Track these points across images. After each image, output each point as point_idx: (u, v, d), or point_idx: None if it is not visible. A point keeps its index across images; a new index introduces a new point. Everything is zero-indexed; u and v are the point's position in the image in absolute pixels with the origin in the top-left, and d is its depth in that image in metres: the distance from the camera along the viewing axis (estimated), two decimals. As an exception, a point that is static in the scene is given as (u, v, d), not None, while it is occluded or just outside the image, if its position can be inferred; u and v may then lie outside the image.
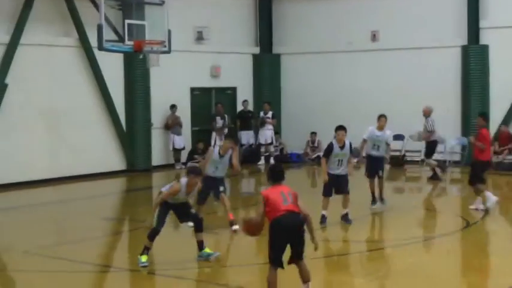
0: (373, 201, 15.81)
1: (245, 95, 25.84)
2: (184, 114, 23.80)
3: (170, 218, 11.43)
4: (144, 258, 10.96)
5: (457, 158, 23.12)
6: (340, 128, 14.12)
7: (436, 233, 14.09)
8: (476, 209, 15.20)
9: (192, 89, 24.54)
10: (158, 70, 20.97)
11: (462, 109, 23.26)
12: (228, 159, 13.76)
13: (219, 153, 13.68)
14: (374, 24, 24.84)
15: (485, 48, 23.02)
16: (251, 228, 9.07)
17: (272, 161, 24.55)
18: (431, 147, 20.62)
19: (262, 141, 24.80)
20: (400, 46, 24.27)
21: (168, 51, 19.33)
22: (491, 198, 15.20)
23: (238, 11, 26.17)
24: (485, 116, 16.09)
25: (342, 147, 14.00)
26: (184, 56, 23.10)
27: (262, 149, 24.88)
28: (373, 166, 16.04)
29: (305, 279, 8.90)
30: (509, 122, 22.46)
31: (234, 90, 26.01)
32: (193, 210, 11.48)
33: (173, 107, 23.25)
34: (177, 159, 23.29)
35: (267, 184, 9.23)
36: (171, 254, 11.79)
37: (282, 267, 8.81)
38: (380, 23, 24.72)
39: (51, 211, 16.77)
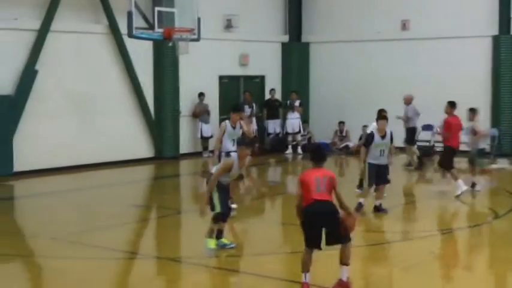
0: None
1: (273, 84, 25.80)
2: (213, 102, 23.83)
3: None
4: (211, 243, 10.96)
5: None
6: (382, 118, 14.12)
7: (465, 224, 14.01)
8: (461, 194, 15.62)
9: (221, 77, 24.54)
10: (187, 58, 21.02)
11: (492, 100, 23.04)
12: (239, 129, 14.18)
13: (231, 125, 14.10)
14: (404, 14, 24.66)
15: (516, 38, 22.80)
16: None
17: (300, 150, 24.53)
18: (410, 134, 20.99)
19: (289, 130, 24.75)
20: (429, 36, 24.09)
21: (198, 39, 19.34)
22: (462, 187, 15.68)
23: (267, 0, 26.10)
24: (452, 104, 16.55)
25: (383, 136, 13.98)
26: (213, 44, 23.11)
27: (290, 138, 24.84)
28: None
29: (342, 261, 8.99)
30: (540, 113, 22.22)
31: (262, 78, 25.98)
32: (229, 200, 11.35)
33: (201, 95, 23.28)
34: (205, 147, 23.33)
35: (308, 165, 9.30)
36: (196, 242, 11.81)
37: (319, 248, 8.91)
38: (410, 12, 24.53)
39: (79, 198, 16.88)
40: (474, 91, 23.02)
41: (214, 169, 10.99)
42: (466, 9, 23.47)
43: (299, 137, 24.91)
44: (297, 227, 12.31)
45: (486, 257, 11.59)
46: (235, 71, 24.99)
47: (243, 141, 11.07)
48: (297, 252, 11.38)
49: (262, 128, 24.94)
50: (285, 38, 26.66)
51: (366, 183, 14.25)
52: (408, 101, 21.00)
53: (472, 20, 23.40)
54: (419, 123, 21.63)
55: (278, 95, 25.65)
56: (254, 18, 25.15)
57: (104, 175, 20.01)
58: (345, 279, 9.01)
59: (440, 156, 17.09)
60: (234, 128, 14.19)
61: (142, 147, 22.32)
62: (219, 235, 11.19)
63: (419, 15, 24.29)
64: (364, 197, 14.13)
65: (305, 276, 8.98)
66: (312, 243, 8.90)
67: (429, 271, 10.25)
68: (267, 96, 25.42)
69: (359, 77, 25.35)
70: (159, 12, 18.94)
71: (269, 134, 25.09)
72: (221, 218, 10.95)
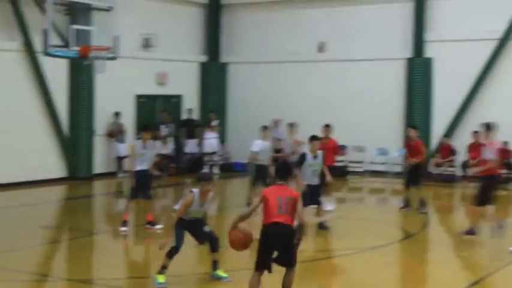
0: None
1: (191, 103, 25.76)
2: (129, 121, 23.60)
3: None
4: (161, 279, 10.28)
5: (398, 169, 23.34)
6: (314, 139, 14.45)
7: (377, 244, 14.17)
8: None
9: (138, 96, 24.36)
10: (104, 76, 20.78)
11: (405, 121, 23.52)
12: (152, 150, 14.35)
13: (142, 144, 14.13)
14: (321, 35, 25.02)
15: (429, 61, 23.37)
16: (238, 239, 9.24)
17: (216, 170, 24.50)
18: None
19: (207, 149, 24.70)
20: (346, 58, 24.50)
21: (115, 58, 19.18)
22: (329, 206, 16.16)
23: (186, 19, 26.10)
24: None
25: (315, 157, 14.21)
26: (130, 63, 22.90)
27: (207, 158, 24.78)
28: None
29: (285, 285, 8.91)
30: (450, 134, 22.78)
31: (179, 98, 25.90)
32: (207, 228, 10.75)
33: (117, 114, 23.03)
34: (120, 168, 23.05)
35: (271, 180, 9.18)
36: (107, 263, 11.61)
37: (269, 271, 8.89)
38: (327, 34, 24.91)
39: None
40: (388, 112, 23.51)
41: (178, 205, 10.73)
42: (381, 32, 23.96)
43: (216, 157, 24.89)
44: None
45: (399, 276, 11.78)
46: (153, 90, 24.84)
47: (204, 177, 10.68)
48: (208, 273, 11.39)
49: (179, 148, 24.82)
50: (204, 58, 26.69)
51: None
52: (276, 124, 21.84)
53: (387, 43, 23.91)
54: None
55: (196, 115, 25.61)
56: (172, 37, 25.10)
57: (15, 196, 19.51)
58: None
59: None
60: (144, 147, 14.15)
61: (55, 167, 21.88)
62: (215, 266, 10.75)
63: (336, 37, 24.68)
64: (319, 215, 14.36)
65: None
66: (263, 265, 8.85)
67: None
68: (185, 115, 25.34)
69: (276, 98, 25.54)
70: (76, 30, 18.73)
71: (186, 154, 24.98)
72: (171, 252, 10.41)
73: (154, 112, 24.88)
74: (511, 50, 22.26)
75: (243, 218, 9.12)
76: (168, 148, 23.82)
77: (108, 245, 13.72)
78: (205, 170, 24.32)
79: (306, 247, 13.33)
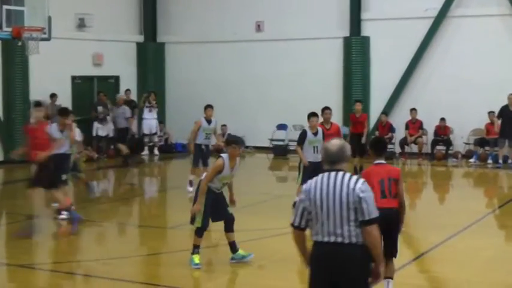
0: None
1: (128, 84, 25.43)
2: (66, 103, 23.06)
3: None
4: (196, 259, 10.01)
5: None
6: (313, 115, 14.30)
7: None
8: None
9: (73, 78, 23.93)
10: (38, 58, 20.26)
11: (344, 98, 23.68)
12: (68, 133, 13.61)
13: (59, 129, 13.36)
14: (258, 15, 24.97)
15: (366, 39, 23.53)
16: None
17: (156, 151, 24.30)
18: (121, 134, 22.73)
19: (146, 131, 24.46)
20: (283, 37, 24.52)
21: (48, 39, 18.72)
22: None
23: (121, -1, 25.75)
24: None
25: (315, 133, 14.12)
26: (65, 44, 22.46)
27: (146, 139, 24.55)
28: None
29: (387, 275, 8.38)
30: (389, 112, 23.03)
31: (116, 79, 25.55)
32: (229, 208, 10.29)
33: (53, 96, 22.57)
34: (58, 150, 22.60)
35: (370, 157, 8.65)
36: (48, 247, 11.42)
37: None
38: (265, 13, 24.88)
39: None
40: (327, 91, 23.63)
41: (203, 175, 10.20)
42: (318, 11, 24.03)
43: (156, 138, 24.68)
44: (153, 229, 12.15)
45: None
46: (89, 71, 24.45)
47: (233, 139, 10.25)
48: (153, 254, 11.30)
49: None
50: (140, 38, 26.37)
51: (299, 181, 14.01)
52: (120, 102, 22.35)
53: (324, 22, 24.00)
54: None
55: (134, 96, 25.32)
56: (108, 17, 24.71)
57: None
58: None
59: None
60: (61, 131, 13.45)
61: (-9, 151, 21.43)
62: (234, 248, 10.28)
63: (273, 16, 24.67)
64: None
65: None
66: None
67: (281, 270, 10.33)
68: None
69: (215, 78, 25.43)
70: (8, 10, 18.22)
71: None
72: (198, 233, 10.06)
73: (91, 93, 24.50)
74: (446, 28, 22.56)
75: None
76: (106, 130, 23.45)
77: (46, 228, 13.49)
78: (145, 151, 24.20)
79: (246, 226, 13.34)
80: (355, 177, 5.87)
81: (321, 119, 14.81)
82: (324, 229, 5.84)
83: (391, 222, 8.06)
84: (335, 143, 5.98)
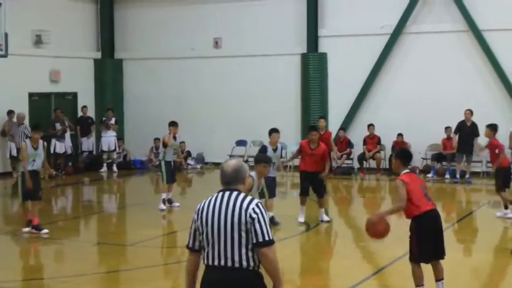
0: None
1: (86, 101, 25.26)
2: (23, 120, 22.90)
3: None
4: None
5: (296, 162, 23.58)
6: (274, 131, 14.40)
7: (277, 237, 14.29)
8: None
9: (31, 94, 23.70)
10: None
11: (302, 115, 23.82)
12: (42, 151, 13.87)
13: (32, 146, 13.67)
14: (217, 31, 25.02)
15: (323, 56, 23.73)
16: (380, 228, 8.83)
17: (115, 168, 24.15)
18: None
19: (105, 148, 24.29)
20: (242, 53, 24.60)
21: (5, 55, 18.61)
22: None
23: (79, 15, 25.57)
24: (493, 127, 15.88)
25: (275, 149, 14.22)
26: (22, 60, 22.24)
27: (105, 156, 24.39)
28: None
29: (439, 277, 8.87)
30: (347, 127, 23.20)
31: (74, 95, 25.37)
32: None
33: (10, 112, 22.30)
34: (14, 168, 22.34)
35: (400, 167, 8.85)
36: (5, 265, 11.26)
37: (428, 262, 8.82)
38: (223, 30, 24.94)
39: None
40: (285, 107, 23.76)
41: None
42: (275, 28, 24.15)
43: (114, 155, 24.53)
44: (113, 246, 12.10)
45: (301, 268, 11.92)
46: (46, 88, 24.23)
47: (264, 158, 10.27)
48: (112, 272, 11.21)
49: (75, 146, 24.31)
50: (98, 55, 26.24)
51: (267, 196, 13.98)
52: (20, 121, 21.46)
53: (282, 39, 24.13)
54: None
55: (92, 112, 25.16)
56: (65, 34, 24.53)
57: None
58: None
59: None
60: (35, 148, 13.71)
61: None
62: None
63: (231, 33, 24.74)
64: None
65: None
66: (427, 256, 8.74)
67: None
68: (80, 113, 24.84)
69: (174, 94, 25.39)
70: (-37, 26, 18.07)
71: (83, 152, 24.51)
72: None
73: (49, 110, 24.27)
74: (402, 44, 22.85)
75: (394, 211, 8.99)
76: (64, 147, 23.25)
77: (5, 246, 13.32)
78: (103, 168, 24.03)
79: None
80: (249, 198, 5.53)
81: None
82: (214, 252, 5.50)
83: (439, 221, 8.69)
84: (231, 163, 5.65)
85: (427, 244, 8.63)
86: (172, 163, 16.70)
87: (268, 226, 5.49)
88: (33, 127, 14.45)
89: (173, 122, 16.87)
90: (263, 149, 14.24)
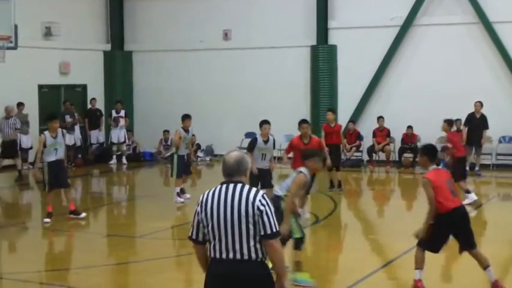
0: None
1: (96, 93, 25.30)
2: (32, 112, 22.98)
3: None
4: (306, 276, 9.51)
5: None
6: (265, 122, 14.28)
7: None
8: None
9: (40, 86, 23.76)
10: (4, 66, 20.10)
11: (312, 107, 23.80)
12: (62, 139, 14.17)
13: (51, 136, 13.85)
14: (226, 23, 25.00)
15: (333, 48, 23.68)
16: None
17: (124, 160, 24.18)
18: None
19: (114, 140, 24.32)
20: (250, 46, 24.57)
21: (15, 47, 18.60)
22: None
23: (88, 7, 25.61)
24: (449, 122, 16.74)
25: (266, 141, 14.13)
26: (31, 52, 22.28)
27: (114, 148, 24.43)
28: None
29: (484, 265, 8.99)
30: (356, 120, 23.16)
31: (84, 87, 25.41)
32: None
33: (20, 104, 22.36)
34: (24, 159, 22.39)
35: (422, 162, 9.06)
36: (16, 257, 11.31)
37: (436, 251, 9.03)
38: (232, 22, 24.91)
39: None
40: (294, 99, 23.74)
41: (281, 189, 9.74)
42: (285, 20, 24.11)
43: (124, 147, 24.57)
44: (122, 238, 12.19)
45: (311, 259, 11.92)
46: (56, 80, 24.28)
47: (315, 153, 9.96)
48: (122, 263, 11.25)
49: (85, 138, 24.35)
50: (107, 47, 26.26)
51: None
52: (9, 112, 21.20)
53: (291, 31, 24.09)
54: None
55: (101, 105, 25.20)
56: (75, 26, 24.56)
57: None
58: (494, 279, 9.06)
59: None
60: (54, 137, 13.89)
61: (-43, 160, 21.15)
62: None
63: (241, 25, 24.72)
64: None
65: (419, 274, 9.02)
66: (436, 246, 8.95)
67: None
68: (89, 105, 24.88)
69: (183, 86, 25.41)
70: (-27, 18, 18.08)
71: (92, 144, 24.55)
72: (300, 243, 9.58)
73: (58, 102, 24.31)
74: (412, 36, 22.78)
75: (430, 215, 8.81)
76: (74, 138, 23.29)
77: (15, 237, 13.37)
78: (113, 160, 24.08)
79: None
80: (254, 190, 5.52)
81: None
82: (221, 245, 5.48)
83: (467, 216, 8.90)
84: (233, 155, 5.62)
85: (440, 238, 8.84)
86: (185, 157, 16.64)
87: (274, 218, 5.51)
88: (50, 116, 14.53)
89: (186, 114, 16.64)
90: (254, 141, 14.23)
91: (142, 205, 17.23)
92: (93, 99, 24.65)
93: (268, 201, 5.52)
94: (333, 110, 19.63)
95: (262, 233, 5.44)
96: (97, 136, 24.59)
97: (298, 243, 9.54)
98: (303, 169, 9.57)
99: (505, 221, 14.71)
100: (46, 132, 13.95)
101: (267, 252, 5.50)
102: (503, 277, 10.62)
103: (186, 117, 16.56)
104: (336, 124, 18.40)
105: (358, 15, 23.29)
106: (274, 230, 5.47)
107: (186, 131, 16.47)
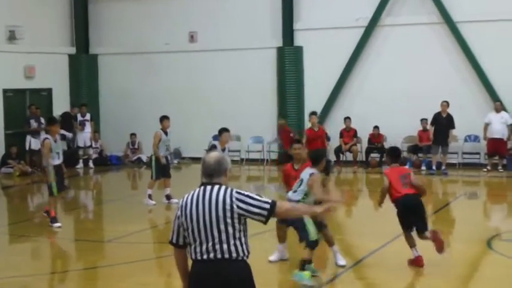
0: None
1: (61, 97, 25.09)
2: (-3, 116, 22.76)
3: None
4: (307, 275, 9.59)
5: (274, 156, 23.66)
6: (225, 130, 14.44)
7: (257, 231, 14.26)
8: None
9: (5, 91, 23.49)
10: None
11: (278, 108, 23.83)
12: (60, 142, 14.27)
13: (53, 140, 13.77)
14: (192, 26, 24.93)
15: (299, 49, 23.74)
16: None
17: (91, 164, 24.01)
18: None
19: (80, 144, 24.15)
20: (217, 47, 24.52)
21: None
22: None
23: (52, 10, 25.38)
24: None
25: (224, 149, 14.29)
26: (-5, 56, 22.10)
27: (81, 152, 24.23)
28: None
29: (438, 246, 10.46)
30: (323, 121, 23.20)
31: (49, 91, 25.18)
32: None
33: (-16, 109, 22.15)
34: (-6, 165, 22.16)
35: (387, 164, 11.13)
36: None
37: (411, 230, 10.56)
38: (198, 24, 24.84)
39: None
40: (262, 101, 23.76)
41: (294, 196, 9.82)
42: (251, 21, 24.11)
43: (90, 151, 24.39)
44: (90, 242, 12.08)
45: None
46: (21, 84, 24.02)
47: (324, 153, 10.31)
48: (90, 268, 11.15)
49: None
50: (72, 50, 26.06)
51: None
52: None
53: (257, 32, 24.09)
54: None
55: (67, 108, 24.99)
56: (39, 29, 24.35)
57: None
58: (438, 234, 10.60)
59: None
60: (55, 141, 13.83)
61: None
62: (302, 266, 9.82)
63: (206, 27, 24.66)
64: None
65: (415, 251, 10.51)
66: (407, 226, 10.53)
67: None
68: (56, 109, 24.61)
69: (149, 89, 25.29)
70: None
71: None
72: (314, 244, 9.79)
73: (24, 106, 24.06)
74: (377, 37, 22.91)
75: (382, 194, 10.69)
76: (39, 143, 23.02)
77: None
78: (80, 164, 23.88)
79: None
80: (229, 189, 5.56)
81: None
82: (202, 247, 5.50)
83: (415, 203, 10.48)
84: (213, 155, 5.68)
85: (405, 218, 10.53)
86: (166, 159, 16.45)
87: (259, 197, 5.57)
88: (50, 120, 14.49)
89: (164, 116, 16.38)
90: (212, 148, 14.32)
91: (110, 209, 17.11)
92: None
93: (243, 191, 5.57)
94: (316, 113, 19.52)
95: (263, 219, 5.54)
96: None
97: (313, 244, 9.83)
98: (312, 170, 9.84)
99: (471, 219, 14.85)
100: (49, 137, 13.78)
101: (248, 251, 5.56)
102: (471, 274, 10.74)
103: (164, 118, 16.33)
104: (320, 128, 18.33)
105: (324, 16, 23.35)
106: (267, 206, 5.52)
107: (165, 132, 16.24)
